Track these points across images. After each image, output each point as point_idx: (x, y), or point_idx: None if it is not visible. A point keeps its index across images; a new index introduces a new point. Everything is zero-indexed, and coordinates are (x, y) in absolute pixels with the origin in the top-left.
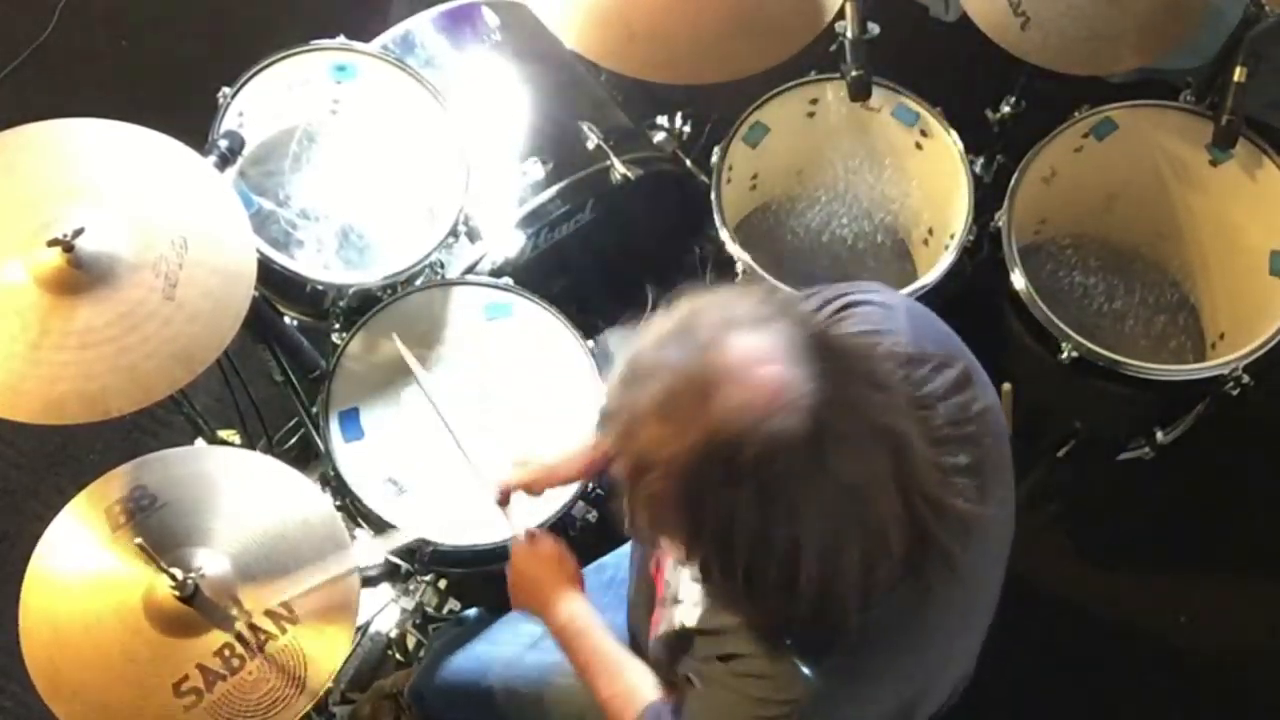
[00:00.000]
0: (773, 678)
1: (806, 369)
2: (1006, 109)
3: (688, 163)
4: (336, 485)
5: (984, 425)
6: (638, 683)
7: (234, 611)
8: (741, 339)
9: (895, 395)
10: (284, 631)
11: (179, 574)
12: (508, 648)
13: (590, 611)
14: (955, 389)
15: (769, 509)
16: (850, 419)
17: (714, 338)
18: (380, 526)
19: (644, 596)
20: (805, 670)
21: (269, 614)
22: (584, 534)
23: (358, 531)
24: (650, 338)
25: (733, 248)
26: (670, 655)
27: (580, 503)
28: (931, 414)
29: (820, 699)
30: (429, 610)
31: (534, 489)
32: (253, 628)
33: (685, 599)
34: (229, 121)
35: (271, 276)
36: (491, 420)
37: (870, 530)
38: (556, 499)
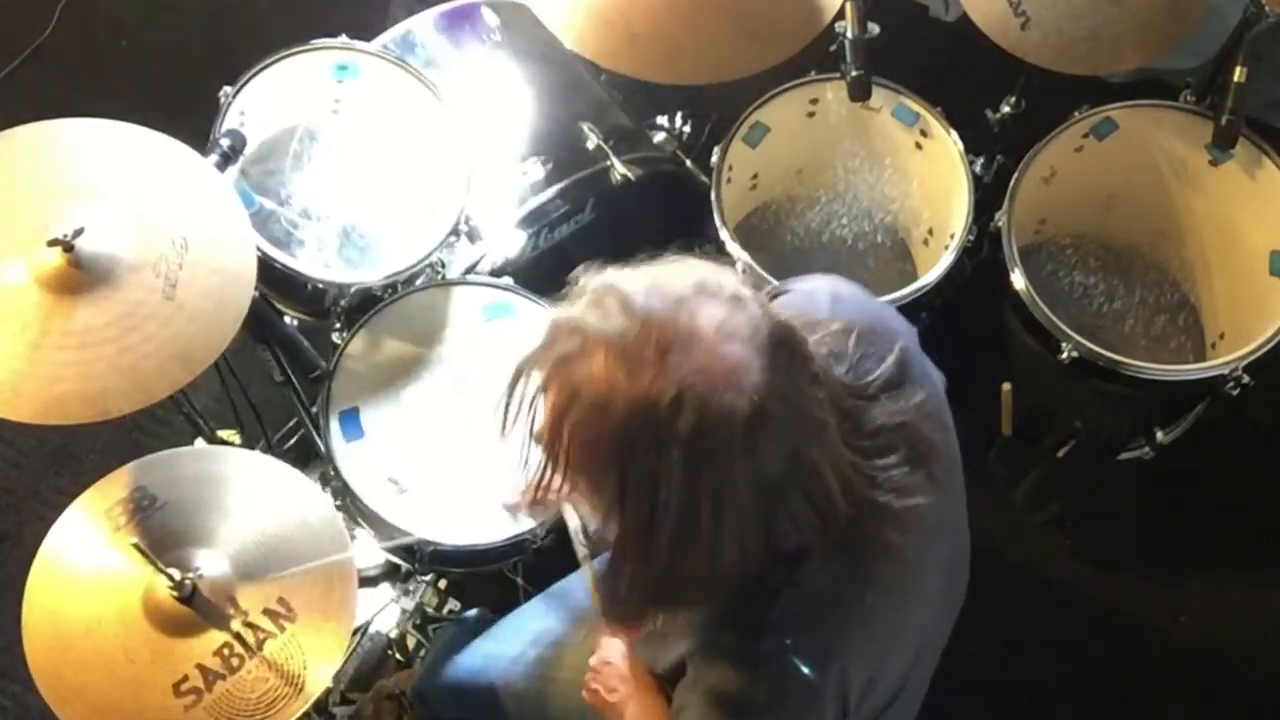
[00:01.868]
0: (717, 671)
1: (762, 358)
2: (1006, 109)
3: (688, 163)
4: (336, 485)
5: (921, 414)
6: None
7: (232, 611)
8: (713, 309)
9: (829, 389)
10: (282, 630)
11: (177, 574)
12: (511, 646)
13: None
14: (890, 384)
15: (693, 478)
16: (787, 411)
17: (687, 299)
18: (379, 526)
19: None
20: (749, 657)
21: (267, 613)
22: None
23: (357, 531)
24: (622, 277)
25: (733, 248)
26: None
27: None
28: (866, 407)
29: (764, 685)
30: (429, 610)
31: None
32: (251, 627)
33: None
34: (230, 120)
35: (272, 275)
36: (491, 420)
37: (789, 515)
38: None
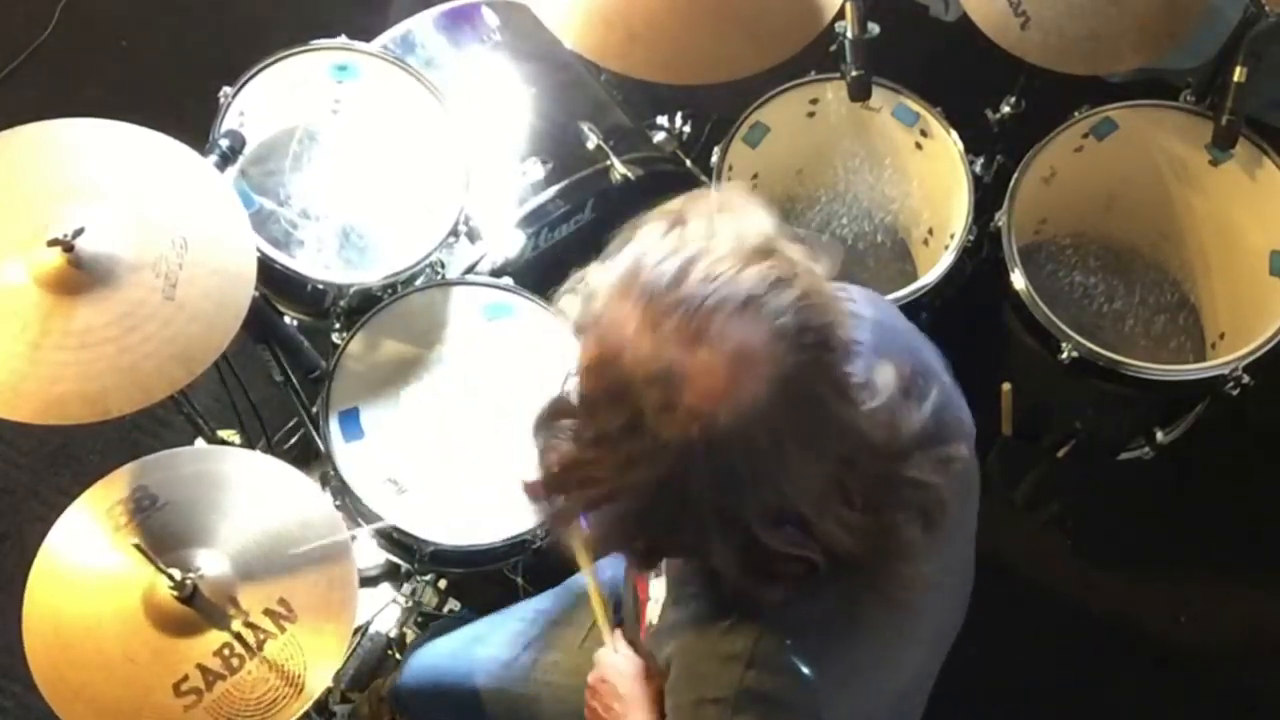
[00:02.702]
0: (706, 670)
1: (761, 399)
2: (1006, 109)
3: (688, 163)
4: (336, 485)
5: (949, 476)
6: None
7: (233, 611)
8: (751, 331)
9: (858, 409)
10: (283, 631)
11: (177, 574)
12: (501, 649)
13: None
14: (926, 437)
15: (617, 448)
16: (807, 411)
17: (739, 306)
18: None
19: (631, 599)
20: (734, 658)
21: (268, 613)
22: None
23: (357, 531)
24: (715, 250)
25: None
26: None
27: None
28: (899, 461)
29: (747, 695)
30: (429, 610)
31: None
32: (251, 627)
33: (654, 596)
34: (230, 121)
35: (272, 276)
36: (491, 420)
37: (797, 517)
38: None
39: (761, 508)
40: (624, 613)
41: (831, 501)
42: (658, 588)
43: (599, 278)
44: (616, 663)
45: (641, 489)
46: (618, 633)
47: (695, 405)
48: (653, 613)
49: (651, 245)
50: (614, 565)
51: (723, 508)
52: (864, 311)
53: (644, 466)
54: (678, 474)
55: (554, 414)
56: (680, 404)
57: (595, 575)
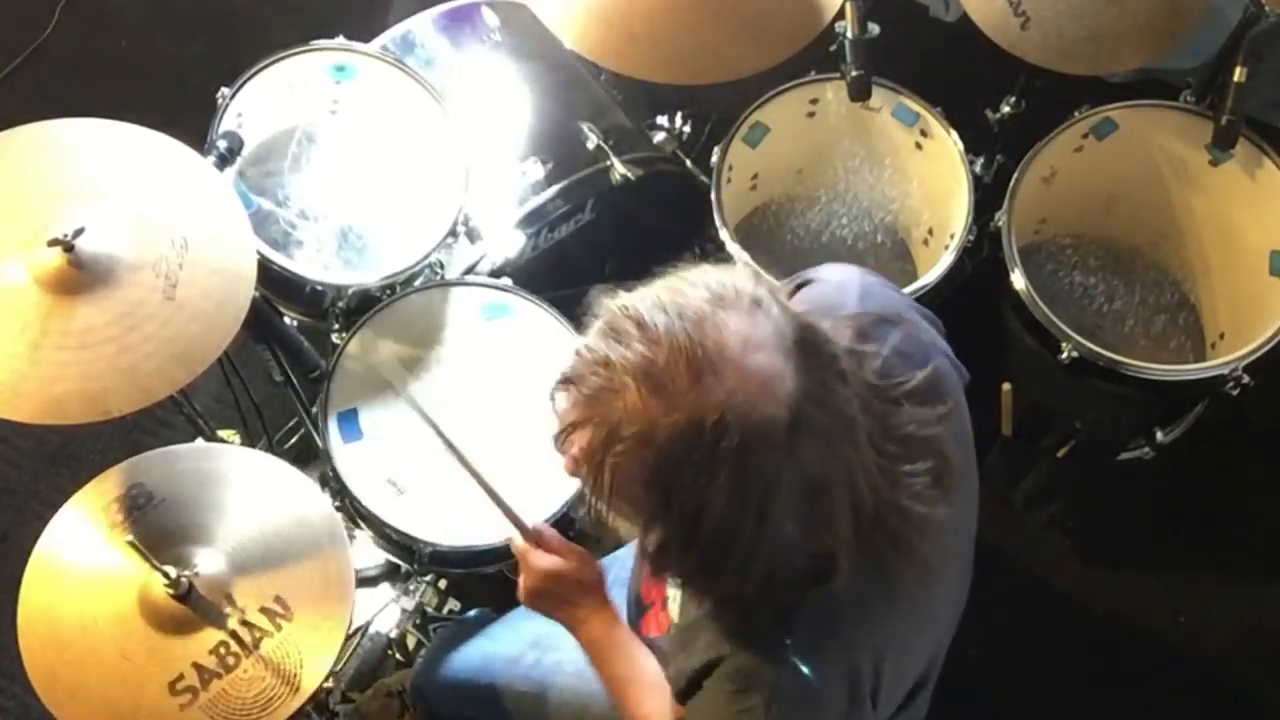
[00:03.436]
0: (742, 669)
1: (791, 361)
2: (1006, 109)
3: (688, 163)
4: (335, 486)
5: (949, 429)
6: (667, 708)
7: (229, 609)
8: (735, 321)
9: (857, 387)
10: (279, 629)
11: (173, 572)
12: (509, 646)
13: (620, 625)
14: (918, 392)
15: (740, 495)
16: (821, 412)
17: (707, 315)
18: (380, 527)
19: (634, 599)
20: (773, 656)
21: (264, 611)
22: (582, 535)
23: (357, 532)
24: (635, 299)
25: (733, 248)
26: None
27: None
28: (893, 410)
29: (790, 684)
30: (429, 610)
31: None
32: (247, 625)
33: (670, 595)
34: (228, 122)
35: (271, 276)
36: (490, 421)
37: (824, 517)
38: (555, 499)
39: (833, 471)
40: (630, 602)
41: (860, 449)
42: (671, 588)
43: (573, 400)
44: (546, 556)
45: (742, 508)
46: (535, 529)
47: (763, 414)
48: (673, 610)
49: (594, 342)
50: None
51: (810, 488)
52: (827, 275)
53: (748, 492)
54: (775, 478)
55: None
56: (748, 427)
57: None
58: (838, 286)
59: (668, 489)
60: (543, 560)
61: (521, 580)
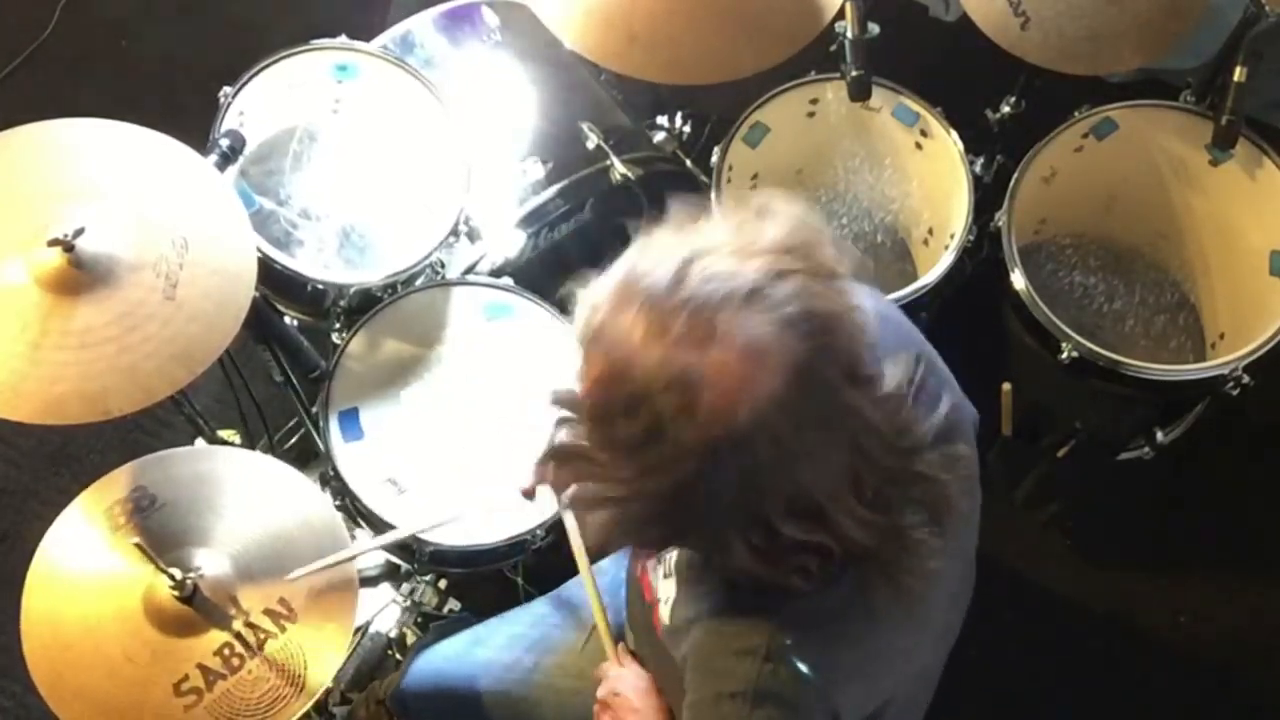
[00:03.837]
0: (722, 668)
1: (778, 390)
2: (1006, 109)
3: (688, 163)
4: (336, 485)
5: (957, 473)
6: None
7: (233, 611)
8: (759, 325)
9: (868, 397)
10: (283, 630)
11: (178, 574)
12: (504, 652)
13: None
14: (941, 435)
15: (641, 453)
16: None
17: (742, 301)
18: (381, 528)
19: (636, 596)
20: (748, 656)
21: (268, 613)
22: None
23: (357, 532)
24: (713, 250)
25: None
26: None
27: None
28: (910, 458)
29: (762, 693)
30: (429, 610)
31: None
32: (252, 626)
33: (663, 596)
34: (230, 121)
35: (272, 276)
36: (491, 421)
37: (813, 507)
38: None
39: (781, 499)
40: (629, 613)
41: (844, 493)
42: (667, 587)
43: (597, 289)
44: (625, 676)
45: (662, 493)
46: (621, 646)
47: (714, 406)
48: (664, 613)
49: (647, 251)
50: (616, 565)
51: (744, 502)
52: (865, 304)
53: (665, 472)
54: (701, 474)
55: (565, 427)
56: (699, 407)
57: (595, 584)
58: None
59: (600, 403)
60: (619, 672)
61: (598, 693)
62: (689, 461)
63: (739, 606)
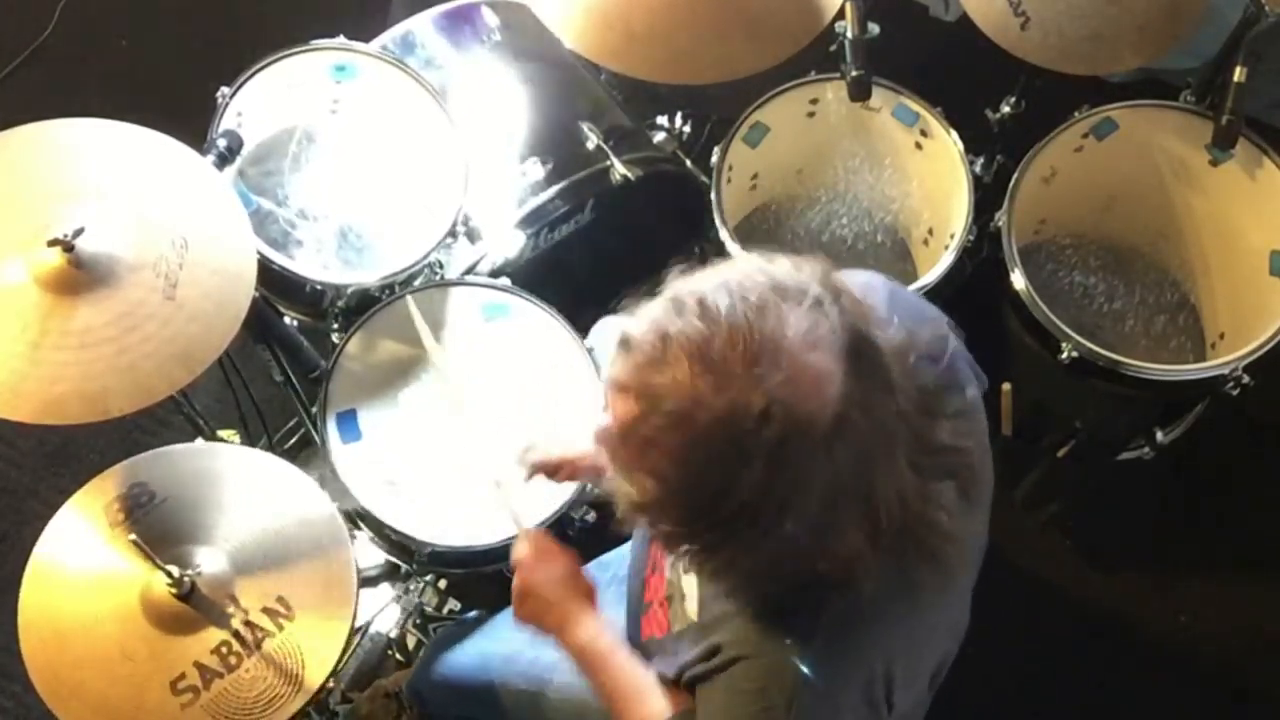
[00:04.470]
0: (765, 668)
1: (843, 365)
2: (1006, 109)
3: (688, 163)
4: (335, 487)
5: (978, 442)
6: (660, 708)
7: (231, 609)
8: (795, 315)
9: (901, 398)
10: (281, 629)
11: (175, 571)
12: (507, 644)
13: (608, 632)
14: (960, 413)
15: (768, 486)
16: (864, 419)
17: (769, 303)
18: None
19: (634, 598)
20: (795, 658)
21: (266, 611)
22: (582, 535)
23: (357, 532)
24: (700, 280)
25: (733, 248)
26: (673, 656)
27: (579, 503)
28: (935, 424)
29: (811, 686)
30: (429, 610)
31: (559, 473)
32: (250, 625)
33: (688, 594)
34: (227, 121)
35: (270, 276)
36: (488, 421)
37: (850, 522)
38: (555, 499)
39: (864, 479)
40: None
41: (897, 463)
42: (689, 584)
43: (623, 366)
44: (538, 568)
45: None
46: (535, 531)
47: (806, 411)
48: (690, 609)
49: (650, 322)
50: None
51: (838, 492)
52: (875, 283)
53: (776, 485)
54: (807, 475)
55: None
56: (791, 420)
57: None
58: (864, 287)
59: (698, 469)
60: (533, 558)
61: (513, 585)
62: (801, 472)
63: (783, 603)
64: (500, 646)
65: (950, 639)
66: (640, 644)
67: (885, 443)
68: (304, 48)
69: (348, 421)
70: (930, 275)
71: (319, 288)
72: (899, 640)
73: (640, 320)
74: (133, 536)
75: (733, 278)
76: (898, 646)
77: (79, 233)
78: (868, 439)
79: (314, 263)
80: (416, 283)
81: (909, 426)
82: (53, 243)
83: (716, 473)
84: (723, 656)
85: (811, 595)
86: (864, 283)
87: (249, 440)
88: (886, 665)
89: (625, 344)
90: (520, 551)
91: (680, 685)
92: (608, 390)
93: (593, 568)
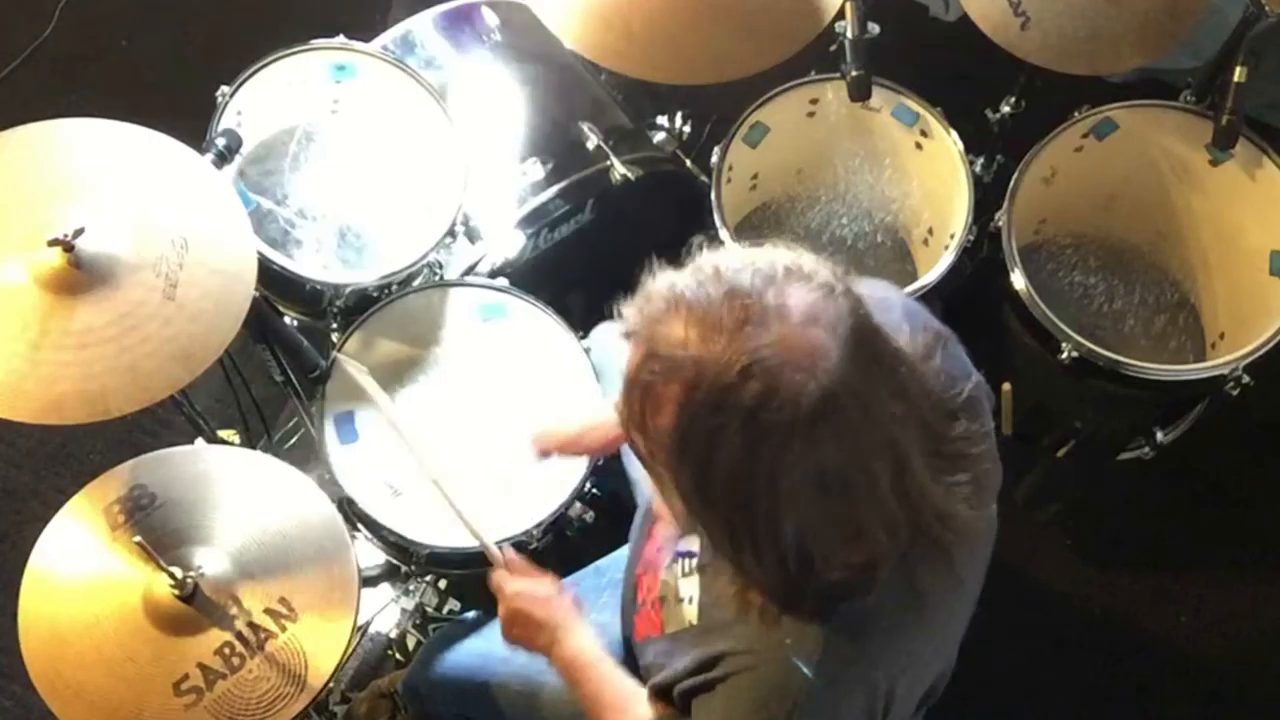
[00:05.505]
0: (767, 680)
1: (843, 349)
2: (1006, 109)
3: (688, 163)
4: (333, 489)
5: (990, 446)
6: (643, 715)
7: (234, 610)
8: (802, 292)
9: (914, 400)
10: (284, 630)
11: (178, 573)
12: (503, 644)
13: (595, 644)
14: (969, 411)
15: (749, 453)
16: (857, 409)
17: (778, 278)
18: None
19: (628, 597)
20: (798, 671)
21: (269, 612)
22: (581, 535)
23: (356, 533)
24: (725, 252)
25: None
26: (666, 658)
27: (577, 504)
28: (949, 423)
29: (813, 701)
30: (429, 610)
31: (562, 450)
32: (252, 626)
33: (686, 596)
34: (227, 120)
35: (270, 275)
36: (484, 424)
37: (854, 522)
38: (553, 499)
39: (852, 474)
40: (624, 602)
41: (911, 457)
42: (688, 586)
43: (633, 315)
44: (523, 590)
45: (767, 480)
46: (511, 555)
47: (792, 379)
48: (688, 612)
49: (667, 279)
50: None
51: (825, 481)
52: (892, 295)
53: (756, 455)
54: (783, 449)
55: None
56: (771, 385)
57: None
58: (879, 302)
59: (686, 426)
60: (515, 583)
61: (500, 612)
62: (783, 439)
63: (789, 606)
64: (497, 646)
65: (948, 655)
66: (635, 643)
67: (883, 441)
68: (304, 47)
69: (345, 423)
70: (930, 275)
71: (318, 287)
72: (904, 656)
73: (662, 278)
74: (138, 538)
75: (755, 254)
76: (902, 663)
77: (79, 233)
78: (859, 431)
79: (313, 262)
80: (415, 283)
81: (926, 426)
82: (53, 243)
83: (701, 430)
84: (724, 667)
85: (818, 604)
86: (879, 297)
87: (249, 440)
88: (890, 683)
89: (643, 294)
90: (499, 578)
91: (670, 698)
92: (625, 340)
93: (588, 573)
